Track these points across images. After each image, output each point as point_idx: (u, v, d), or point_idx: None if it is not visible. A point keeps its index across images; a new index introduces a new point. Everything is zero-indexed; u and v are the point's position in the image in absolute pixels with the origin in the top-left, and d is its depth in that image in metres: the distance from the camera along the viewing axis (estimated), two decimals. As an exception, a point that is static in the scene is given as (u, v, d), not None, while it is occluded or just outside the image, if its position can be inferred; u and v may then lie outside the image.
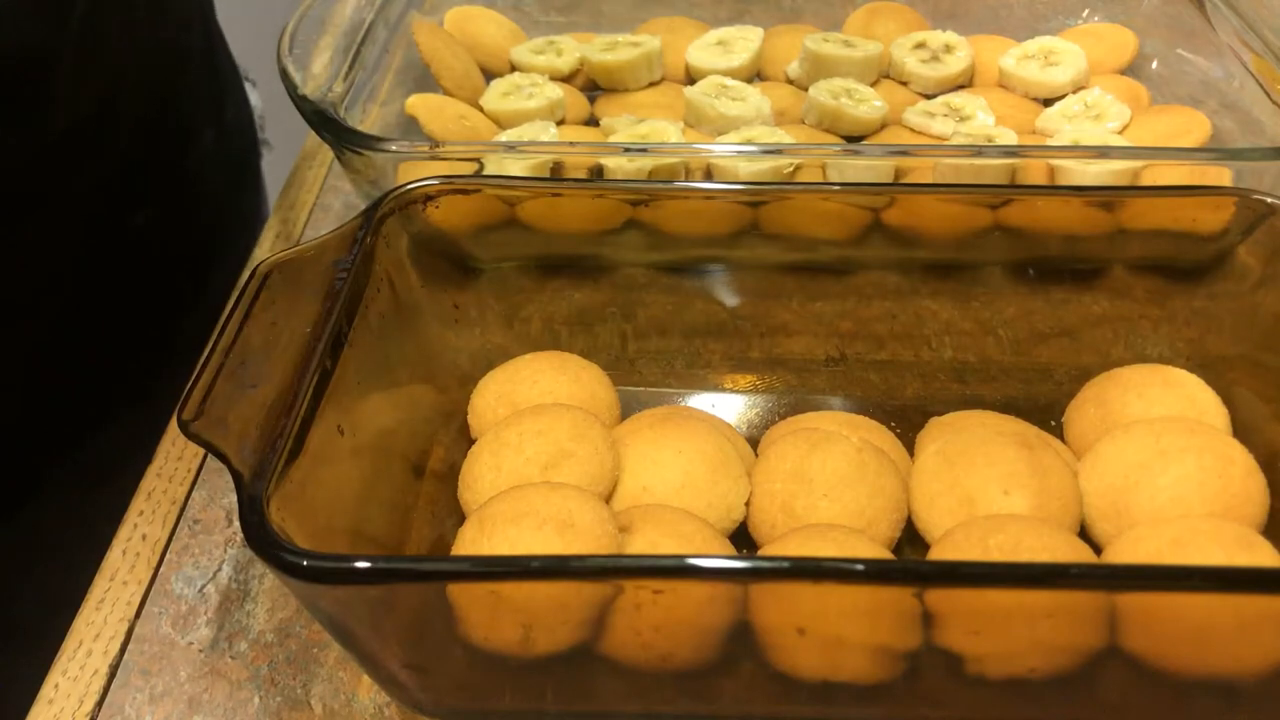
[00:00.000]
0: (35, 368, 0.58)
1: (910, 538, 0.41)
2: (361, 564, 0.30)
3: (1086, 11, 0.68)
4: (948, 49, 0.63)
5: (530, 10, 0.69)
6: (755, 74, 0.64)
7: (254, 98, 0.74)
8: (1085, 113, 0.58)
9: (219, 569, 0.43)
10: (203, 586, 0.43)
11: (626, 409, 0.45)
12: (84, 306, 0.59)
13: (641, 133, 0.56)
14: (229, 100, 0.70)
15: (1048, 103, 0.60)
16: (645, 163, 0.49)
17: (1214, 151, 0.50)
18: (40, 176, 0.54)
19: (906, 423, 0.45)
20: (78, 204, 0.57)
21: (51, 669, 0.41)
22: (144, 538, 0.45)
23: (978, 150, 0.49)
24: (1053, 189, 0.48)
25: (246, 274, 0.40)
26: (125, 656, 0.41)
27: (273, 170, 0.78)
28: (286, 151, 0.70)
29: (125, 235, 0.60)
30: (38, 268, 0.56)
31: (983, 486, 0.39)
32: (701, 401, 0.47)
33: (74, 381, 0.61)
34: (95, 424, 0.63)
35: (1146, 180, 0.48)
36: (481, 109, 0.59)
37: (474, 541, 0.37)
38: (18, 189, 0.53)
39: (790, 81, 0.63)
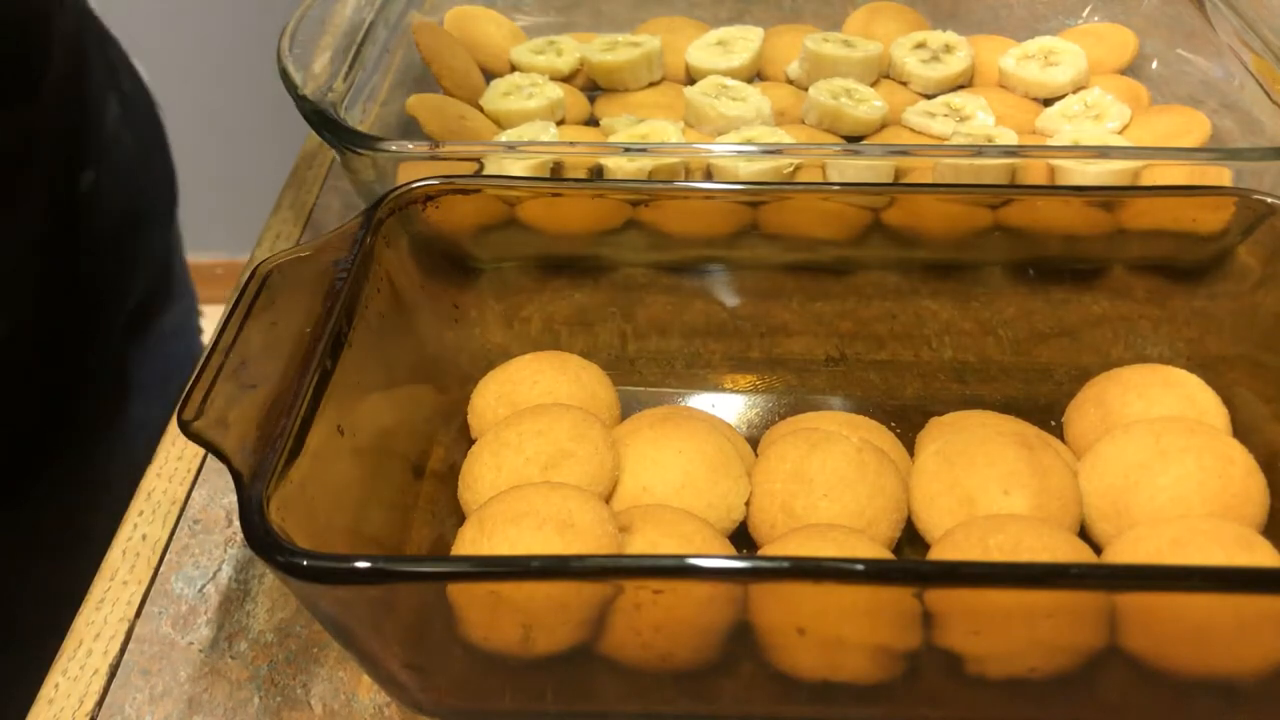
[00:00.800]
0: (26, 365, 0.59)
1: (910, 538, 0.41)
2: (361, 564, 0.30)
3: (1086, 11, 0.68)
4: (948, 49, 0.63)
5: (530, 10, 0.69)
6: (755, 74, 0.64)
7: (143, 72, 0.75)
8: (1085, 113, 0.58)
9: (219, 569, 0.43)
10: (203, 586, 0.43)
11: (626, 409, 0.45)
12: (55, 295, 0.59)
13: (641, 133, 0.56)
14: (122, 68, 0.71)
15: (1048, 103, 0.60)
16: (645, 163, 0.49)
17: (1214, 151, 0.50)
18: (31, 141, 0.54)
19: (906, 423, 0.45)
20: (44, 171, 0.57)
21: (51, 669, 0.41)
22: (144, 538, 0.45)
23: (978, 150, 0.49)
24: (1053, 189, 0.48)
25: (246, 274, 0.40)
26: (125, 656, 0.41)
27: (271, 170, 0.78)
28: (286, 151, 0.70)
29: (77, 201, 0.61)
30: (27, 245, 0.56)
31: (983, 486, 0.39)
32: (701, 401, 0.47)
33: (68, 377, 0.62)
34: (95, 423, 0.63)
35: (1146, 180, 0.48)
36: (481, 109, 0.59)
37: (474, 541, 0.37)
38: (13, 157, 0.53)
39: (790, 81, 0.63)
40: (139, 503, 0.46)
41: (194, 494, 0.46)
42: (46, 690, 0.40)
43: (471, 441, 0.43)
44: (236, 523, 0.45)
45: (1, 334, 0.56)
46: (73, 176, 0.61)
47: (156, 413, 0.57)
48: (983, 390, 0.47)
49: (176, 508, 0.46)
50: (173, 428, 0.49)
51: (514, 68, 0.63)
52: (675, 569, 0.31)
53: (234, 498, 0.35)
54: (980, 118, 0.58)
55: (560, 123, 0.59)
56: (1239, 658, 0.33)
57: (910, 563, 0.39)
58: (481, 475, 0.40)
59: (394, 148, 0.49)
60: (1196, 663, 0.33)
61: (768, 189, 0.46)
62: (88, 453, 0.64)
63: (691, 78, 0.63)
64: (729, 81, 0.60)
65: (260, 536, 0.31)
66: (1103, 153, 0.49)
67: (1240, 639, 0.32)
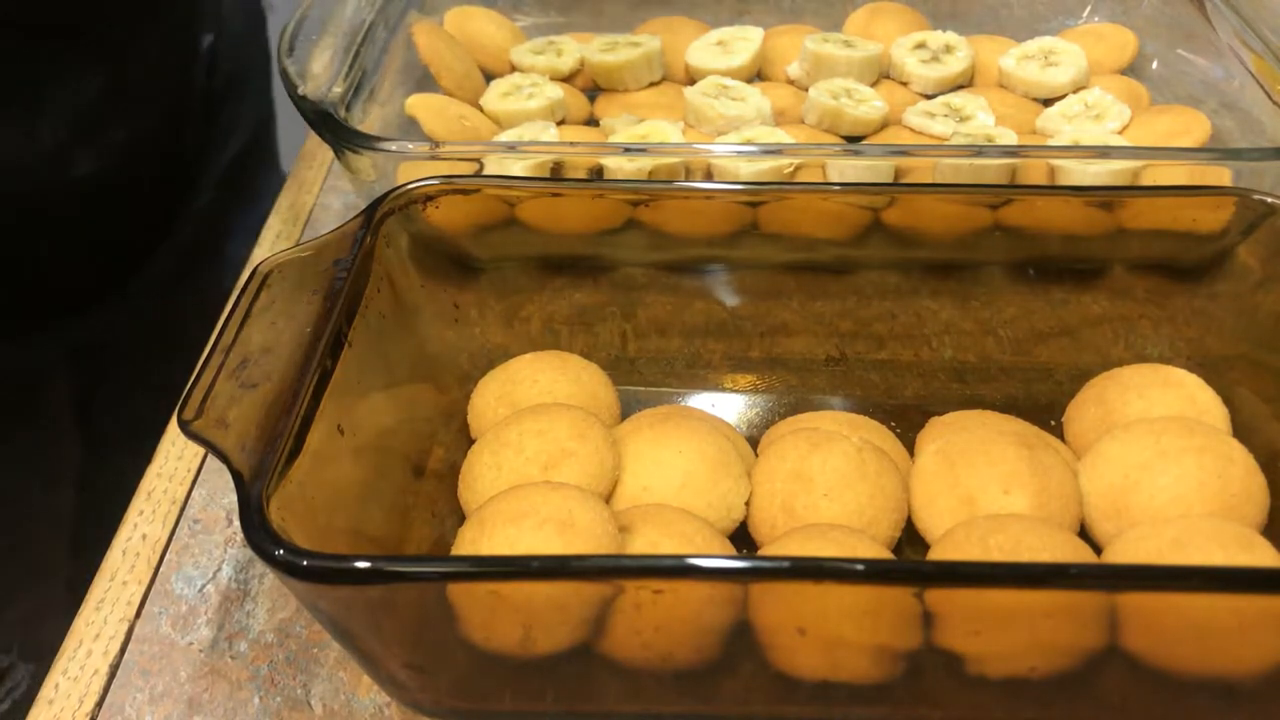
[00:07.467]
0: None
1: (910, 538, 0.41)
2: (361, 564, 0.30)
3: (1086, 11, 0.68)
4: (948, 49, 0.63)
5: (530, 10, 0.69)
6: (755, 74, 0.64)
7: None
8: (1085, 113, 0.58)
9: (219, 569, 0.43)
10: (203, 586, 0.43)
11: (626, 409, 0.45)
12: None
13: (641, 133, 0.56)
14: None
15: (1048, 103, 0.60)
16: (645, 163, 0.49)
17: (1214, 151, 0.50)
18: None
19: (906, 423, 0.45)
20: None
21: (52, 669, 0.41)
22: (144, 538, 0.45)
23: (978, 150, 0.49)
24: (1053, 189, 0.48)
25: (246, 274, 0.40)
26: (125, 656, 0.41)
27: (272, 170, 0.78)
28: (287, 151, 0.70)
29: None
30: None
31: (983, 486, 0.39)
32: (701, 401, 0.47)
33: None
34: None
35: (1146, 180, 0.48)
36: (481, 109, 0.59)
37: (474, 541, 0.37)
38: None
39: (790, 81, 0.63)
40: (139, 502, 0.46)
41: (194, 494, 0.46)
42: (46, 690, 0.40)
43: (471, 441, 0.43)
44: (236, 523, 0.45)
45: (121, 137, 0.64)
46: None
47: (245, 253, 0.61)
48: (983, 390, 0.47)
49: (176, 508, 0.46)
50: (172, 427, 0.49)
51: (514, 68, 0.63)
52: (675, 569, 0.31)
53: (234, 498, 0.35)
54: (980, 118, 0.58)
55: (560, 123, 0.59)
56: (1239, 658, 0.33)
57: (910, 563, 0.39)
58: (481, 475, 0.40)
59: (394, 148, 0.49)
60: (1196, 663, 0.33)
61: (768, 189, 0.46)
62: (185, 270, 0.69)
63: (691, 78, 0.63)
64: (729, 81, 0.60)
65: (260, 536, 0.31)
66: (1103, 153, 0.49)
67: (1240, 639, 0.32)
